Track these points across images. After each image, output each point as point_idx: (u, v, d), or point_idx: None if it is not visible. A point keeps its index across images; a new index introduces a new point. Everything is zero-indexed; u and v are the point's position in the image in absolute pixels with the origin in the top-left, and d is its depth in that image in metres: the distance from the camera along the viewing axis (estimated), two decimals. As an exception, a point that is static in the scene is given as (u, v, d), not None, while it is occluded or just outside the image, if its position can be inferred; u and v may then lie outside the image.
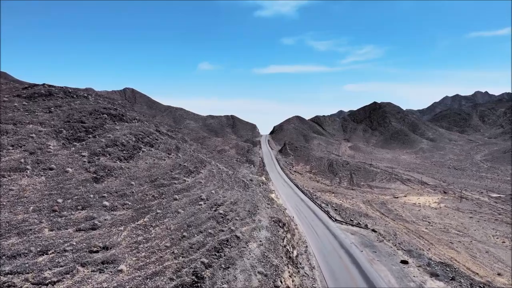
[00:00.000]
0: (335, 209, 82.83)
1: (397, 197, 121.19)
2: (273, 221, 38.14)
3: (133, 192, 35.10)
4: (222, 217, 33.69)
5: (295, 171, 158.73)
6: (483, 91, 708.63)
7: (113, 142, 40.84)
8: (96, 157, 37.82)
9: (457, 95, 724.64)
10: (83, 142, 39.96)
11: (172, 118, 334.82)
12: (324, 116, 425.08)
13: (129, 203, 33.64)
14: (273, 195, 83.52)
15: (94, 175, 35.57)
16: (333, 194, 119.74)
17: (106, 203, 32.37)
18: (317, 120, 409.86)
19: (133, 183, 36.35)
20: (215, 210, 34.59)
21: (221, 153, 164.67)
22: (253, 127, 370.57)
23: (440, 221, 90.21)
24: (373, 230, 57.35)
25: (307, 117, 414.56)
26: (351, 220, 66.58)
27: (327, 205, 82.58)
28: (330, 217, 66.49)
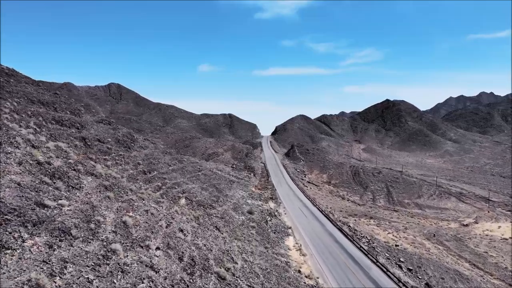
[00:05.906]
0: (409, 268, 43.87)
1: (467, 225, 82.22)
2: None
3: None
4: None
5: (309, 182, 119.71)
6: (488, 92, 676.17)
7: None
8: None
9: (461, 96, 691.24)
10: None
11: (161, 117, 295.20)
12: (331, 115, 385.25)
13: None
14: (291, 245, 44.37)
15: None
16: (372, 220, 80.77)
17: None
18: (324, 119, 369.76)
19: None
20: None
21: (212, 157, 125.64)
22: (253, 127, 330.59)
23: None
24: None
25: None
26: None
27: (399, 266, 43.35)
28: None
